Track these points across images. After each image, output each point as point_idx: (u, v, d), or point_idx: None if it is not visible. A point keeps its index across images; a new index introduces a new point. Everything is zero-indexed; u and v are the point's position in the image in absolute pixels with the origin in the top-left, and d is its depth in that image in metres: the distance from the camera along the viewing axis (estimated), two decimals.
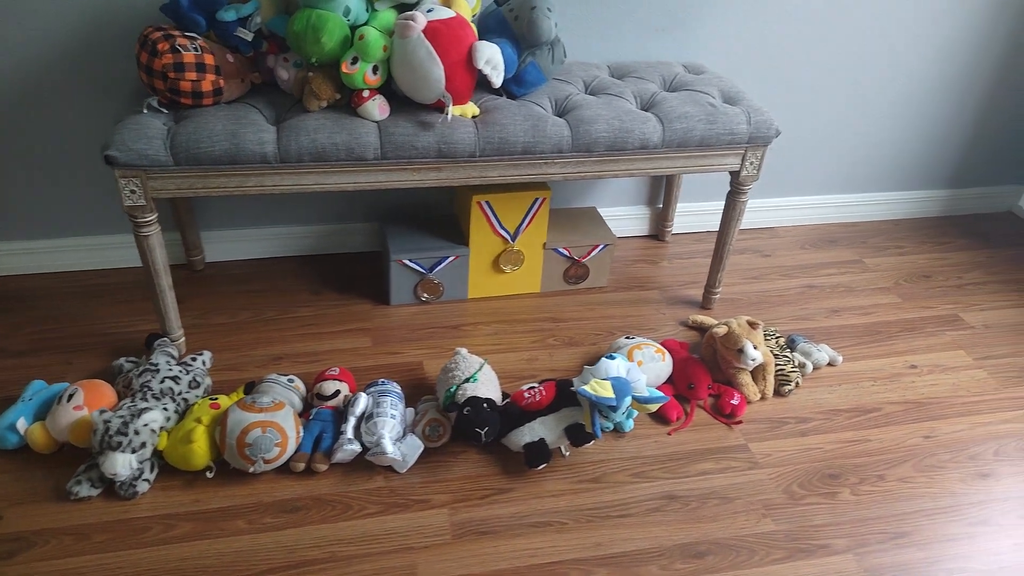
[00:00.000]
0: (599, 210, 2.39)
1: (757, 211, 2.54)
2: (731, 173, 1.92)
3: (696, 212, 2.50)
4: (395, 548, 1.45)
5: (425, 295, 2.08)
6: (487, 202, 1.97)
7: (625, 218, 2.46)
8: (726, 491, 1.61)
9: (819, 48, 2.25)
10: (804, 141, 2.43)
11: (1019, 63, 2.41)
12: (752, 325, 1.81)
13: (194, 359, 1.78)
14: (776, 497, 1.60)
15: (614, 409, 1.56)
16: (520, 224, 2.03)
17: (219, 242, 2.21)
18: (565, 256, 2.14)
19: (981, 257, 2.47)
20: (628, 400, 1.58)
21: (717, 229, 2.51)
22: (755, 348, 1.79)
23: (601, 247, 2.14)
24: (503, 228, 2.03)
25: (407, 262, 2.01)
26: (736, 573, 1.44)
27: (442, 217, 2.17)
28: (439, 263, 2.04)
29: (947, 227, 2.64)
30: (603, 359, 1.63)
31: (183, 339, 1.86)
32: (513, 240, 2.05)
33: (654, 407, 1.62)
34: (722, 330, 1.82)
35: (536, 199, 2.00)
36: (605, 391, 1.55)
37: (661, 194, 2.44)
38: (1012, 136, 2.57)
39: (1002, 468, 1.70)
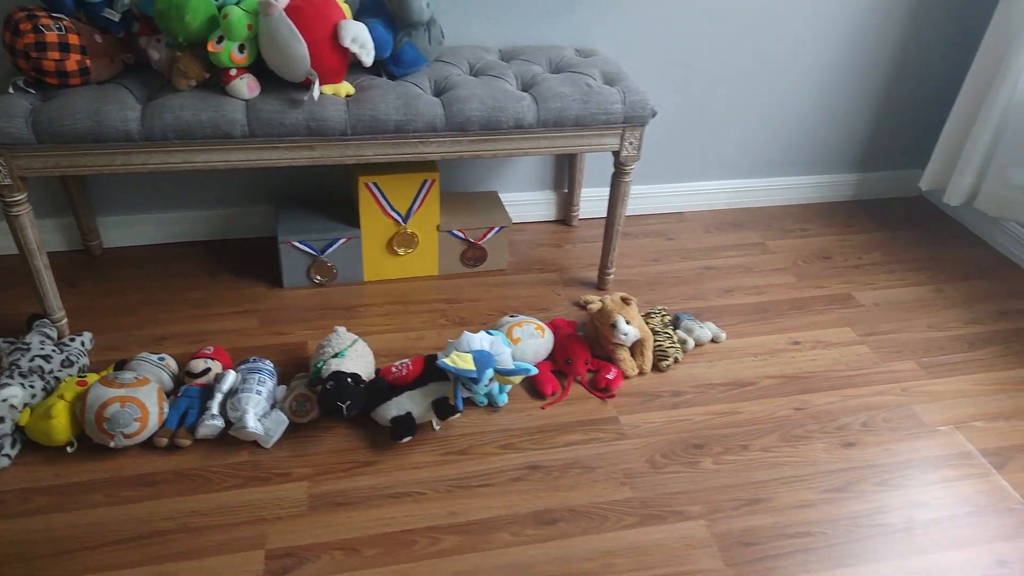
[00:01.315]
0: (505, 195, 2.42)
1: (665, 196, 2.57)
2: (613, 153, 1.94)
3: (604, 197, 2.52)
4: (249, 519, 1.46)
5: (318, 277, 2.09)
6: (375, 183, 1.99)
7: (532, 203, 2.48)
8: (590, 461, 1.63)
9: (720, 33, 2.28)
10: (710, 125, 2.46)
11: (918, 44, 2.45)
12: (625, 301, 1.84)
13: (72, 340, 1.79)
14: (638, 466, 1.63)
15: (475, 381, 1.58)
16: (411, 206, 2.05)
17: (118, 227, 2.21)
18: (460, 239, 2.15)
19: (884, 239, 2.51)
20: (490, 372, 1.59)
21: (626, 214, 2.55)
22: (628, 323, 1.81)
23: (497, 229, 2.16)
24: (394, 210, 2.04)
25: (297, 244, 2.03)
26: (584, 538, 1.46)
27: (338, 200, 2.19)
28: (330, 245, 2.05)
29: (856, 211, 2.68)
30: (465, 333, 1.65)
31: (65, 320, 1.87)
32: (405, 222, 2.07)
33: (518, 379, 1.64)
34: (596, 306, 1.84)
35: (425, 181, 2.02)
36: (465, 363, 1.57)
37: (566, 179, 2.46)
38: (915, 119, 2.62)
39: (867, 438, 1.73)
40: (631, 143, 1.92)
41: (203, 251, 2.25)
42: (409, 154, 1.80)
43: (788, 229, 2.54)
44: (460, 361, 1.57)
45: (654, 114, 1.89)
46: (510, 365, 1.63)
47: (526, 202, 2.47)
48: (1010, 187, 2.23)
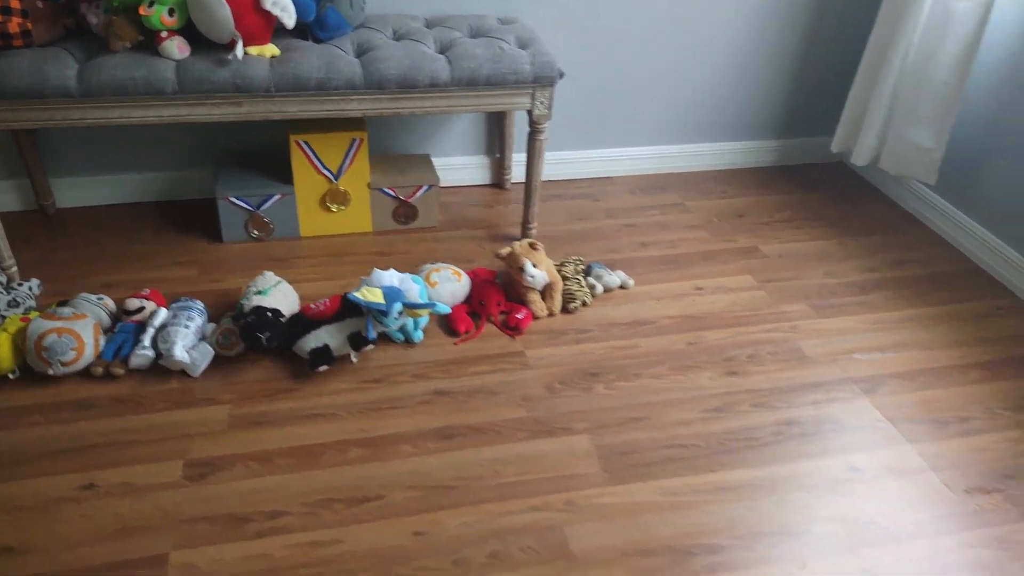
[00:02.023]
0: (439, 159, 2.56)
1: (595, 162, 2.72)
2: (528, 113, 2.09)
3: None
4: (174, 436, 1.61)
5: (256, 232, 2.24)
6: (305, 142, 2.13)
7: (467, 167, 2.62)
8: (493, 387, 1.79)
9: (642, 6, 2.43)
10: (635, 94, 2.61)
11: (828, 12, 2.60)
12: (533, 247, 1.99)
13: (20, 284, 1.93)
14: (536, 392, 1.78)
15: (385, 314, 1.73)
16: (342, 164, 2.20)
17: (70, 188, 2.35)
18: (391, 196, 2.30)
19: (798, 200, 2.67)
20: (399, 306, 1.74)
21: (557, 179, 2.71)
22: (535, 267, 1.96)
23: (425, 188, 2.31)
24: (325, 168, 2.19)
25: (233, 200, 2.17)
26: (478, 450, 1.61)
27: (275, 160, 2.33)
28: (265, 200, 2.20)
29: (776, 175, 2.83)
30: (375, 270, 1.80)
31: (15, 269, 2.00)
32: (336, 179, 2.22)
33: (425, 313, 1.79)
34: (505, 251, 2.00)
35: (353, 139, 2.16)
36: (375, 297, 1.72)
37: (498, 143, 2.61)
38: (829, 85, 2.77)
39: (751, 368, 1.89)
40: (542, 102, 2.07)
41: (150, 211, 2.39)
42: (331, 111, 1.95)
43: (709, 191, 2.70)
44: (370, 295, 1.72)
45: (561, 75, 2.04)
46: (419, 300, 1.78)
47: (461, 166, 2.62)
48: (906, 146, 2.39)
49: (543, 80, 2.02)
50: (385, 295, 1.74)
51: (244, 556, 1.38)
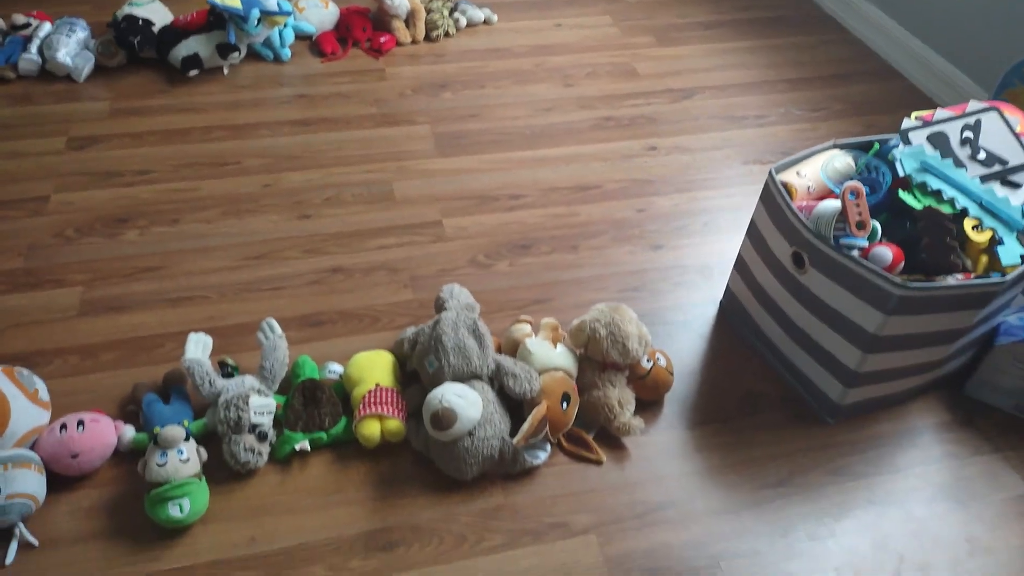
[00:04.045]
0: None
1: None
2: None
3: None
4: (60, 121, 1.85)
5: None
6: None
7: None
8: (350, 93, 2.01)
9: None
10: None
11: None
12: None
13: None
14: (389, 96, 2.01)
15: (244, 19, 1.92)
16: None
17: None
18: None
19: None
20: (256, 12, 1.93)
21: None
22: None
23: None
24: None
25: None
26: (328, 133, 1.86)
27: None
28: None
29: None
30: None
31: None
32: None
33: (282, 20, 1.98)
34: None
35: None
36: (233, 2, 1.90)
37: None
38: None
39: (585, 82, 2.12)
40: None
41: None
42: None
43: None
44: (228, 0, 1.90)
45: None
46: (275, 8, 1.97)
47: None
48: None
49: None
50: (243, 1, 1.91)
51: (113, 197, 1.65)
